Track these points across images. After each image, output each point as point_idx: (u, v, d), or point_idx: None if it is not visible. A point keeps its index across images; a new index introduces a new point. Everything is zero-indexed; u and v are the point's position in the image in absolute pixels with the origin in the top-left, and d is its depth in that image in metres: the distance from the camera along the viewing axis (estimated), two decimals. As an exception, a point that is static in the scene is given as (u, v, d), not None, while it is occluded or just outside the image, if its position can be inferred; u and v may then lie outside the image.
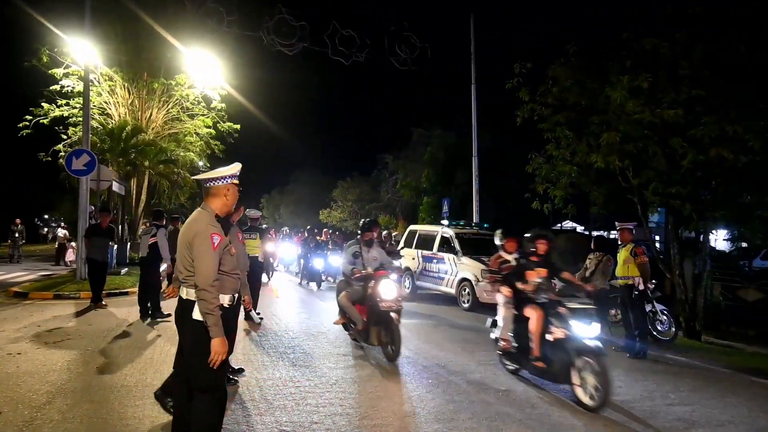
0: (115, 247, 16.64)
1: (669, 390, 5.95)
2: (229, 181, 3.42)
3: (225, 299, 3.41)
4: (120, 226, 18.64)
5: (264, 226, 12.28)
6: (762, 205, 8.82)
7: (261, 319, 8.92)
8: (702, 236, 10.21)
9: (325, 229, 20.61)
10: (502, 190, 22.19)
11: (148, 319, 8.78)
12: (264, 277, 13.73)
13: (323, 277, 15.58)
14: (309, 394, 5.21)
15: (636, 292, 8.03)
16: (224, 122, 21.24)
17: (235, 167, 3.48)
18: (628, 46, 9.32)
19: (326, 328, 8.70)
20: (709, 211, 9.18)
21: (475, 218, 16.76)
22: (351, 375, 5.95)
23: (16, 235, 20.59)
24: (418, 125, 29.50)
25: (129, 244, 18.02)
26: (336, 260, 14.40)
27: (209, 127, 20.98)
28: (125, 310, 9.66)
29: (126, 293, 11.76)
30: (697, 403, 5.49)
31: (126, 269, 15.24)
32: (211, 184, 3.40)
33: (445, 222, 14.54)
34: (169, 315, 8.61)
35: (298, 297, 13.10)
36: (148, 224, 10.66)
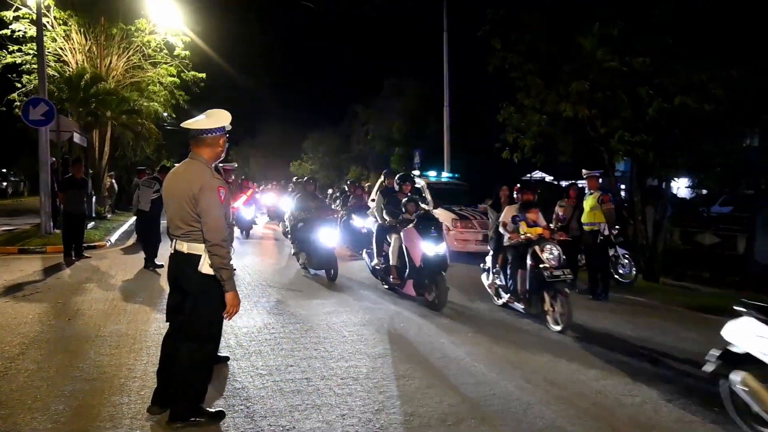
0: (94, 199, 16.29)
1: (628, 327, 6.30)
2: (224, 131, 3.34)
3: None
4: (84, 179, 18.07)
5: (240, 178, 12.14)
6: (721, 152, 9.11)
7: (234, 269, 8.94)
8: (664, 184, 10.54)
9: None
10: (473, 139, 22.24)
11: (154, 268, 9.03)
12: (238, 232, 13.68)
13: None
14: (283, 339, 5.33)
15: (601, 238, 8.32)
16: (189, 71, 20.46)
17: (227, 115, 3.36)
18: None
19: (301, 278, 8.81)
20: (672, 159, 9.44)
21: (446, 168, 16.84)
22: (326, 321, 6.09)
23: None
24: (390, 75, 29.02)
25: (94, 197, 17.57)
26: (359, 222, 11.78)
27: (173, 75, 20.16)
28: (95, 264, 9.55)
29: (94, 246, 11.58)
30: (655, 337, 5.88)
31: (93, 223, 14.93)
32: (208, 134, 3.28)
33: (417, 173, 14.60)
34: (162, 266, 8.67)
35: (273, 246, 13.12)
36: (146, 177, 10.73)
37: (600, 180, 8.72)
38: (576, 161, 11.62)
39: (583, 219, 8.59)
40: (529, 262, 6.29)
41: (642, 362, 5.00)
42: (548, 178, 29.18)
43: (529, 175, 28.43)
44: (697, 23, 8.30)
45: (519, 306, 6.59)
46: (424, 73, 25.70)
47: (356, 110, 31.84)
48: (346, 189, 14.30)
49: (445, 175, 14.78)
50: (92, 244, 11.62)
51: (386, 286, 7.90)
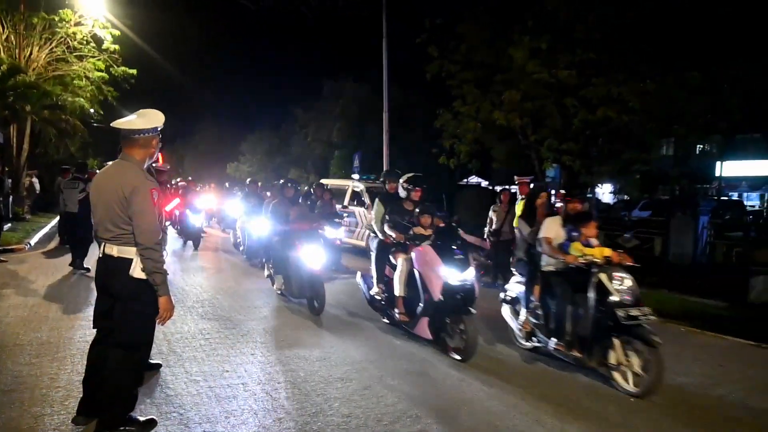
0: (11, 198, 15.20)
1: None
2: (157, 131, 3.27)
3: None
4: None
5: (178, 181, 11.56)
6: (639, 160, 9.80)
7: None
8: (589, 189, 11.20)
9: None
10: (412, 144, 22.62)
11: (81, 271, 8.58)
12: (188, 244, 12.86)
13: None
14: (219, 345, 5.24)
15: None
16: (118, 66, 19.54)
17: (160, 116, 3.29)
18: (531, 7, 9.75)
19: (237, 283, 8.65)
20: (596, 166, 10.07)
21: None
22: (263, 326, 6.03)
23: None
24: (329, 77, 29.00)
25: (11, 197, 16.42)
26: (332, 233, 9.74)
27: (101, 70, 19.19)
28: (12, 268, 8.95)
29: (12, 250, 10.83)
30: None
31: (9, 225, 13.94)
32: (141, 135, 3.20)
33: (356, 176, 14.67)
34: (89, 269, 8.33)
35: (211, 255, 12.76)
36: (71, 176, 9.74)
37: (531, 185, 9.14)
38: (509, 167, 12.11)
39: (515, 223, 8.97)
40: (591, 295, 4.60)
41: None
42: (484, 183, 30.16)
43: (465, 179, 29.29)
44: (617, 39, 8.91)
45: (570, 354, 4.77)
46: (363, 76, 25.91)
47: (295, 112, 31.56)
48: (312, 192, 11.47)
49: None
50: (9, 248, 10.86)
51: (387, 321, 6.21)
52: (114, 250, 3.16)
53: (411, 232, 5.89)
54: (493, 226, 9.45)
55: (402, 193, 6.29)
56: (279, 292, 7.49)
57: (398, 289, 5.77)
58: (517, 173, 9.49)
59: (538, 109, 9.72)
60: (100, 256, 3.26)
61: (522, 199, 8.93)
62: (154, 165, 8.38)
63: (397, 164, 19.02)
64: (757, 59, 8.19)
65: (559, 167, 11.52)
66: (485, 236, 9.98)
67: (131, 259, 3.14)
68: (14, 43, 17.55)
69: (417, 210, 6.02)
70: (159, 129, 3.29)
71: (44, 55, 18.30)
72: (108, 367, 3.18)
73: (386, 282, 6.21)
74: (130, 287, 3.16)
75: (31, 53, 17.94)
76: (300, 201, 8.21)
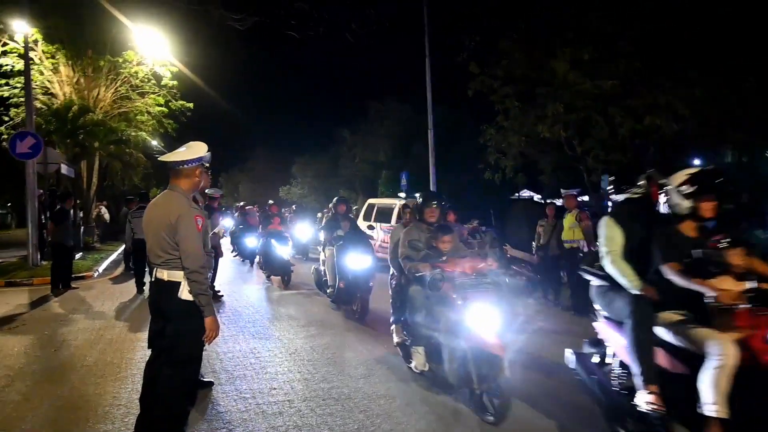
0: (82, 230, 16.37)
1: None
2: (200, 162, 3.49)
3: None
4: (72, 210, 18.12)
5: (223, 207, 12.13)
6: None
7: (221, 296, 9.03)
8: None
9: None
10: (458, 161, 22.58)
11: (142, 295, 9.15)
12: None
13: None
14: (268, 363, 5.42)
15: (581, 254, 8.50)
16: (176, 100, 20.71)
17: (204, 147, 3.52)
18: (571, 22, 9.67)
19: (286, 302, 8.90)
20: (647, 176, 9.74)
21: (432, 190, 17.08)
22: (310, 344, 6.19)
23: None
24: (375, 99, 29.52)
25: (82, 228, 17.59)
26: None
27: (161, 105, 20.42)
28: (82, 294, 9.59)
29: (83, 277, 11.60)
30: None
31: (81, 254, 14.93)
32: (184, 165, 3.43)
33: (403, 195, 14.80)
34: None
35: (259, 273, 13.19)
36: (136, 207, 10.30)
37: (577, 198, 8.95)
38: (557, 180, 11.92)
39: (563, 237, 8.80)
40: None
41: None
42: (536, 197, 29.58)
43: (517, 194, 28.87)
44: (660, 49, 8.68)
45: None
46: (407, 96, 26.24)
47: (343, 134, 32.23)
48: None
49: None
50: (80, 275, 11.64)
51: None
52: (164, 275, 3.39)
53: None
54: (540, 241, 9.29)
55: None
56: (419, 371, 4.83)
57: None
58: (565, 186, 9.33)
59: (583, 120, 9.57)
60: (152, 280, 3.50)
61: (569, 212, 8.77)
62: (207, 192, 8.86)
63: (444, 181, 19.08)
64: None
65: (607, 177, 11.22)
66: (534, 251, 9.82)
67: (179, 282, 3.35)
68: (83, 85, 18.93)
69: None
70: (203, 159, 3.52)
71: (110, 94, 19.64)
72: (160, 384, 3.39)
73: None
74: (179, 309, 3.37)
75: (98, 93, 19.30)
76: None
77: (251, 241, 13.45)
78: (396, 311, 5.36)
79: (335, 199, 9.12)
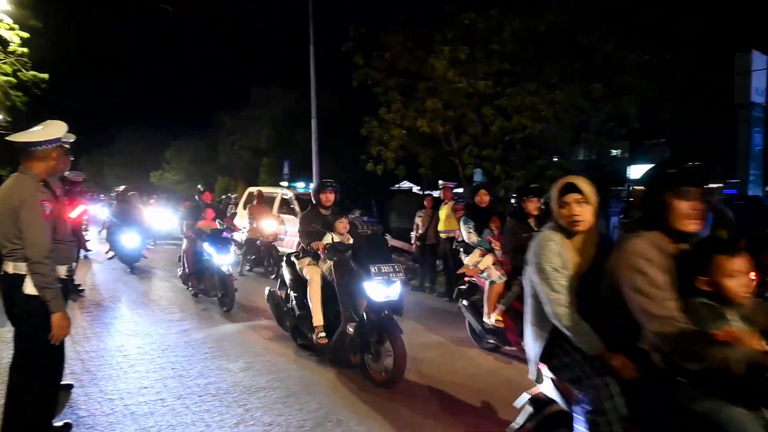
0: None
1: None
2: (57, 142, 3.15)
3: (62, 270, 3.25)
4: None
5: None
6: (553, 165, 10.42)
7: (83, 290, 8.22)
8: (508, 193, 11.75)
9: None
10: (342, 151, 22.72)
11: None
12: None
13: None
14: (138, 361, 5.08)
15: (456, 243, 9.03)
16: (28, 70, 18.34)
17: (63, 126, 3.18)
18: (451, 18, 10.13)
19: (157, 296, 8.38)
20: (513, 172, 10.59)
21: (315, 179, 17.02)
22: (185, 339, 5.89)
23: None
24: (257, 84, 28.61)
25: None
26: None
27: (7, 74, 17.96)
28: None
29: None
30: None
31: None
32: (38, 147, 3.07)
33: (285, 183, 14.58)
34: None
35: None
36: None
37: (453, 190, 9.49)
38: (435, 173, 12.50)
39: (440, 227, 9.28)
40: None
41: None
42: (415, 189, 30.73)
43: (397, 185, 29.75)
44: (529, 51, 9.44)
45: None
46: (291, 83, 25.77)
47: (223, 119, 30.85)
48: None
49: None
50: None
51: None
52: (10, 267, 3.04)
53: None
54: (419, 231, 9.72)
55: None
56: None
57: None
58: (443, 178, 9.83)
59: (459, 117, 10.11)
60: (1, 274, 3.11)
61: (445, 203, 9.27)
62: (67, 175, 7.93)
63: (328, 171, 19.08)
64: (648, 73, 8.97)
65: (482, 172, 12.00)
66: (412, 241, 10.24)
67: (24, 275, 3.02)
68: None
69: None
70: (60, 140, 3.19)
71: (-61, 57, 16.87)
72: (8, 389, 3.04)
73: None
74: (24, 305, 3.04)
75: None
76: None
77: (132, 239, 10.64)
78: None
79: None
